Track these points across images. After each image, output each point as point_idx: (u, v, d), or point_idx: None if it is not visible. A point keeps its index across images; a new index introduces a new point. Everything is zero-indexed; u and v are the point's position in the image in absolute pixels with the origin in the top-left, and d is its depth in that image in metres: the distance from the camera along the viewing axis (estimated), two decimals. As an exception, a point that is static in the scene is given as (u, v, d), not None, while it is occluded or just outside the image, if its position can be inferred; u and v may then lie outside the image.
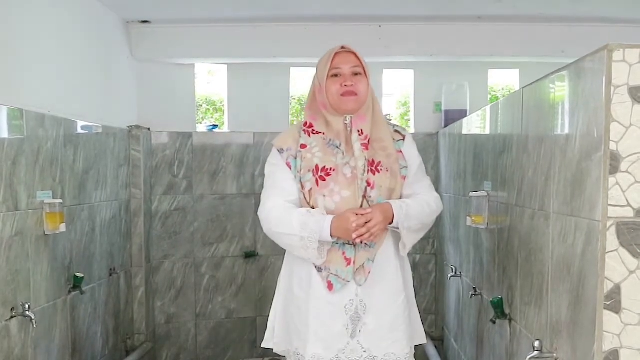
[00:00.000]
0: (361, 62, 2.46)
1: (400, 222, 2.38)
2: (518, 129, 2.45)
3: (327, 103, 2.45)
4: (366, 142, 2.44)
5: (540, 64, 4.07)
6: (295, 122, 2.57)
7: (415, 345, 2.61)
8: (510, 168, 2.55)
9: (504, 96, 4.64)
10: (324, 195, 2.40)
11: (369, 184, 2.40)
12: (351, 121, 2.46)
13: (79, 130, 3.39)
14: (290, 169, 2.46)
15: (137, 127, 4.29)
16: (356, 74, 2.45)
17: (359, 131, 2.45)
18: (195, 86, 4.76)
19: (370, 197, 2.40)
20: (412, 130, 4.80)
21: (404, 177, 2.50)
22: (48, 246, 2.96)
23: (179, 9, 4.01)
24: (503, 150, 2.67)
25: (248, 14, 4.11)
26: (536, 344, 2.08)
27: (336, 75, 2.45)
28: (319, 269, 2.42)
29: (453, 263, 3.89)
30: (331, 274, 2.41)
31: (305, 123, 2.53)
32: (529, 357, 2.06)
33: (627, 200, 1.63)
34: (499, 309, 2.61)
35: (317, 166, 2.42)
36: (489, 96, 5.00)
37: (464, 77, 4.65)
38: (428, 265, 4.73)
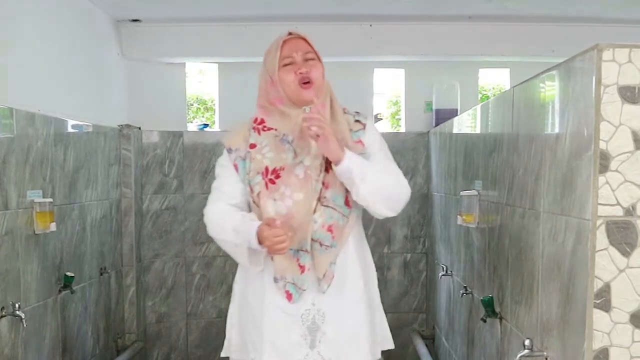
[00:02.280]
0: (312, 47, 2.29)
1: (355, 165, 2.16)
2: (508, 128, 2.46)
3: (283, 96, 2.27)
4: None
5: (531, 63, 4.08)
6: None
7: (382, 351, 2.45)
8: (500, 167, 2.56)
9: (494, 95, 4.65)
10: (275, 199, 2.23)
11: (323, 184, 2.24)
12: (312, 112, 2.23)
13: (69, 129, 3.37)
14: (238, 171, 2.31)
15: (128, 126, 4.28)
16: (309, 60, 2.27)
17: None
18: (186, 85, 4.75)
19: (325, 197, 2.24)
20: (402, 129, 4.82)
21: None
22: (38, 245, 2.94)
23: (169, 8, 4.00)
24: (493, 149, 2.68)
25: (239, 13, 4.11)
26: (527, 342, 2.09)
27: (288, 65, 2.26)
28: (276, 280, 2.25)
29: (444, 262, 3.90)
30: (288, 282, 2.24)
31: (256, 119, 2.34)
32: (519, 355, 2.07)
33: (616, 199, 1.64)
34: (490, 308, 2.62)
35: (266, 168, 2.26)
36: (480, 95, 5.02)
37: (455, 76, 4.65)
38: (419, 264, 4.74)
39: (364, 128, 2.35)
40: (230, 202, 2.31)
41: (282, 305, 2.26)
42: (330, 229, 2.23)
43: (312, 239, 2.22)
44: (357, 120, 2.37)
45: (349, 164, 2.16)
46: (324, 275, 2.24)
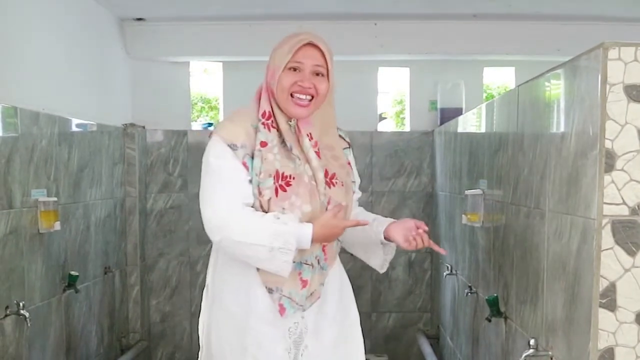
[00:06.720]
0: (327, 62, 2.09)
1: None
2: (513, 127, 2.45)
3: (275, 95, 2.11)
4: (317, 149, 2.13)
5: (536, 62, 4.07)
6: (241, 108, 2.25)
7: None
8: (505, 166, 2.55)
9: (499, 94, 4.64)
10: (283, 208, 2.03)
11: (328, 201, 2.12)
12: (297, 124, 2.12)
13: (74, 128, 3.38)
14: (248, 170, 2.06)
15: (132, 125, 4.28)
16: (317, 74, 2.09)
17: (308, 135, 2.12)
18: (190, 84, 4.75)
19: None
20: (407, 128, 4.81)
21: (354, 193, 2.27)
22: (42, 244, 2.94)
23: (174, 7, 4.00)
24: (498, 148, 2.67)
25: (243, 12, 4.11)
26: (532, 342, 2.08)
27: (294, 69, 2.08)
28: (270, 290, 2.08)
29: (448, 261, 3.89)
30: (284, 296, 2.08)
31: (264, 113, 2.11)
32: (524, 355, 2.06)
33: (622, 198, 1.63)
34: (495, 307, 2.62)
35: (277, 171, 2.04)
36: (485, 94, 5.01)
37: (460, 75, 4.65)
38: (423, 264, 4.73)
39: (349, 147, 2.31)
40: (245, 201, 2.06)
41: (270, 318, 2.11)
42: (324, 249, 2.14)
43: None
44: (340, 137, 2.29)
45: None
46: (311, 294, 2.13)
